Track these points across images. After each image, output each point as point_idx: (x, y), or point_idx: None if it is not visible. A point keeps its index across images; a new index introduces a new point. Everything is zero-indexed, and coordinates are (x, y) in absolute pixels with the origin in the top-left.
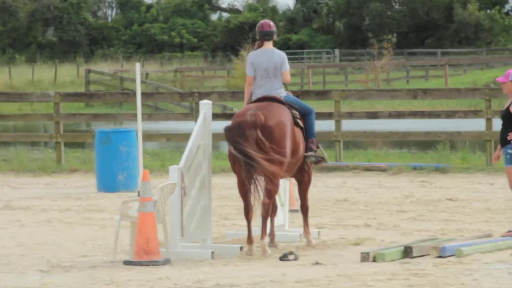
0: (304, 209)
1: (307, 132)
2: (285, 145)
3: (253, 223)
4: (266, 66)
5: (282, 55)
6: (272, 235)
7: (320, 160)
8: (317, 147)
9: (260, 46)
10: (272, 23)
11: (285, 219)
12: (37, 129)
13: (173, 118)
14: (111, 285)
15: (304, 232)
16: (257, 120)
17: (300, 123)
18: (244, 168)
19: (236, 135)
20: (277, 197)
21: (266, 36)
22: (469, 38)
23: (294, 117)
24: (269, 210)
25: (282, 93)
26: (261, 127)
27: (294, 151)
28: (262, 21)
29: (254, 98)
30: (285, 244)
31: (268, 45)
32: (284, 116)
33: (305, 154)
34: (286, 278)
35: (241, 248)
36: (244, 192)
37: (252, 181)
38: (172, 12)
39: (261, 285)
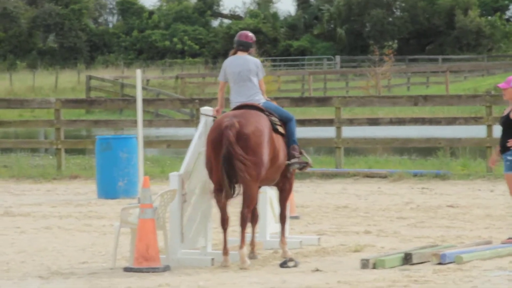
0: (283, 218)
1: (289, 139)
2: (262, 153)
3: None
4: (239, 70)
5: (257, 62)
6: (253, 245)
7: (304, 166)
8: (300, 153)
9: (234, 54)
10: (250, 35)
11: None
12: (38, 135)
13: (174, 125)
14: None
15: (281, 242)
16: (232, 128)
17: (281, 130)
18: (224, 173)
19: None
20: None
21: (240, 46)
22: (470, 44)
23: (273, 124)
24: (247, 219)
25: (260, 100)
26: (237, 135)
27: (273, 158)
28: (241, 32)
29: (232, 105)
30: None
31: (242, 54)
32: (261, 123)
33: (288, 162)
34: (286, 285)
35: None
36: (221, 202)
37: (231, 188)
38: (174, 19)
39: None
